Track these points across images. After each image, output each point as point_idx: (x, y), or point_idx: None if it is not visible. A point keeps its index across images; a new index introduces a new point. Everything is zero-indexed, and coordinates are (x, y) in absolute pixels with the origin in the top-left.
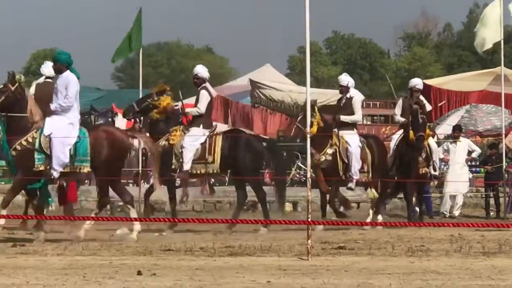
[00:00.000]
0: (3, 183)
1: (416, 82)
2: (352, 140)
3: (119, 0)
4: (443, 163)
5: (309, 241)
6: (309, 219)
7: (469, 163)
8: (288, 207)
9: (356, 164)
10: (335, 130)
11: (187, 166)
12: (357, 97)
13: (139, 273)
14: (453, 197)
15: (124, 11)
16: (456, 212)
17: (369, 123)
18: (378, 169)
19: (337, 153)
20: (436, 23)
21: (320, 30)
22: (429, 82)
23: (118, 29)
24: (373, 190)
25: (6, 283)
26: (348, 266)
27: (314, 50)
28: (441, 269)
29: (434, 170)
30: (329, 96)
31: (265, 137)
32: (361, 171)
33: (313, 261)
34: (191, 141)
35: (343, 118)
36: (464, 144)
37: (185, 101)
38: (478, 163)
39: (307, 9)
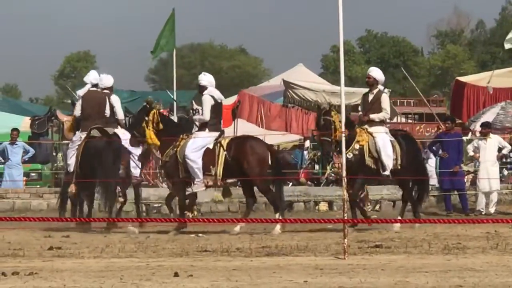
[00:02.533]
0: (38, 186)
1: (372, 71)
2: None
3: (152, 1)
4: (475, 160)
5: (346, 240)
6: (345, 218)
7: (500, 160)
8: (324, 206)
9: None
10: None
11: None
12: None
13: (176, 274)
14: (487, 195)
15: (157, 12)
16: (492, 209)
17: (403, 121)
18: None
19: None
20: (468, 20)
21: (353, 29)
22: (463, 79)
23: (152, 30)
24: None
25: (44, 286)
26: (385, 265)
27: (347, 49)
28: (478, 267)
29: (383, 170)
30: None
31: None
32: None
33: (349, 260)
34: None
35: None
36: (494, 141)
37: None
38: None
39: (340, 8)
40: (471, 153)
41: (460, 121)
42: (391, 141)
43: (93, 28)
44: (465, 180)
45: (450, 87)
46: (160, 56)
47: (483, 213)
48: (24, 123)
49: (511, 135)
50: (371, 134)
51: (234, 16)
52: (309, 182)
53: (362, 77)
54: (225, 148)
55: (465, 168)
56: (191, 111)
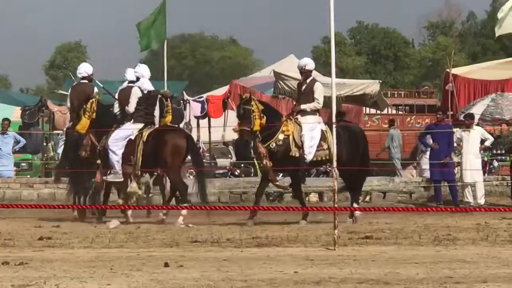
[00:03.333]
0: (28, 176)
1: (306, 62)
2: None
3: None
4: (456, 152)
5: (336, 231)
6: (336, 206)
7: (482, 152)
8: (314, 197)
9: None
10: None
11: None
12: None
13: (166, 265)
14: (472, 187)
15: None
16: (481, 201)
17: (394, 112)
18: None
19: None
20: (459, 12)
21: (344, 20)
22: (454, 71)
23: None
24: None
25: (34, 275)
26: (375, 256)
27: (338, 41)
28: (468, 258)
29: (303, 158)
30: (354, 86)
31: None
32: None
33: (340, 251)
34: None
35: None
36: (477, 132)
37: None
38: (504, 151)
39: None
40: (454, 145)
41: (451, 112)
42: (323, 131)
43: (83, 18)
44: (455, 172)
45: (441, 79)
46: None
47: (471, 204)
48: (15, 113)
49: (501, 127)
50: (299, 124)
51: (225, 7)
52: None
53: (353, 68)
54: (144, 139)
55: (455, 159)
56: (181, 101)
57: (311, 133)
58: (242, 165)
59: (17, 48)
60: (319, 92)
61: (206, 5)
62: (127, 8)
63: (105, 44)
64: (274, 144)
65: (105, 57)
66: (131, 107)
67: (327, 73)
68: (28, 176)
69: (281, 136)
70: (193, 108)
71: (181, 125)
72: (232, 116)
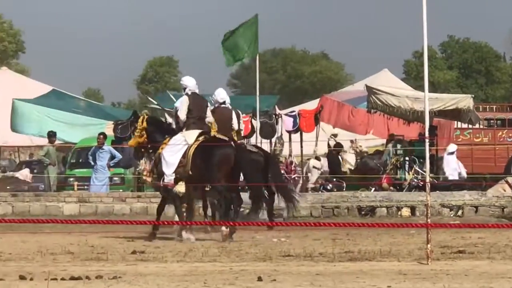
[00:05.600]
0: (121, 190)
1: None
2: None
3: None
4: None
5: (429, 245)
6: (429, 222)
7: None
8: (406, 211)
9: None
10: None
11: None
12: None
13: (259, 279)
14: None
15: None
16: None
17: (485, 127)
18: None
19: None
20: None
21: (436, 34)
22: None
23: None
24: None
25: None
26: (468, 270)
27: (430, 55)
28: None
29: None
30: (446, 101)
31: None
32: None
33: (433, 266)
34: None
35: None
36: None
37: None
38: None
39: (424, 13)
40: None
41: None
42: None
43: (175, 32)
44: None
45: None
46: (242, 61)
47: None
48: (107, 127)
49: None
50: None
51: (316, 21)
52: (391, 188)
53: (444, 83)
54: (193, 148)
55: None
56: (273, 116)
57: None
58: (334, 179)
59: (109, 62)
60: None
61: (297, 20)
62: (219, 23)
63: (196, 59)
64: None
65: (196, 72)
66: (182, 116)
67: (419, 87)
68: (121, 190)
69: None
70: (285, 122)
71: (273, 140)
72: (324, 130)
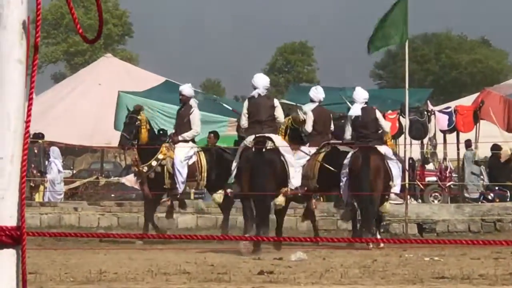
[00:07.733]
0: None
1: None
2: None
3: None
4: None
5: None
6: None
7: None
8: None
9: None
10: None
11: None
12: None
13: None
14: None
15: None
16: None
17: None
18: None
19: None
20: None
21: None
22: None
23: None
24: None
25: None
26: None
27: None
28: None
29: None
30: None
31: None
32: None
33: None
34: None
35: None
36: None
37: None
38: None
39: None
40: None
41: None
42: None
43: (310, 16)
44: None
45: None
46: (388, 48)
47: None
48: (229, 125)
49: None
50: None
51: (476, 1)
52: None
53: None
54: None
55: None
56: (425, 112)
57: (180, 160)
58: (497, 187)
59: (231, 49)
60: (197, 119)
61: (453, 2)
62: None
63: (334, 46)
64: (146, 168)
65: (332, 61)
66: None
67: None
68: None
69: (154, 163)
70: (439, 120)
71: (425, 140)
72: (485, 130)
